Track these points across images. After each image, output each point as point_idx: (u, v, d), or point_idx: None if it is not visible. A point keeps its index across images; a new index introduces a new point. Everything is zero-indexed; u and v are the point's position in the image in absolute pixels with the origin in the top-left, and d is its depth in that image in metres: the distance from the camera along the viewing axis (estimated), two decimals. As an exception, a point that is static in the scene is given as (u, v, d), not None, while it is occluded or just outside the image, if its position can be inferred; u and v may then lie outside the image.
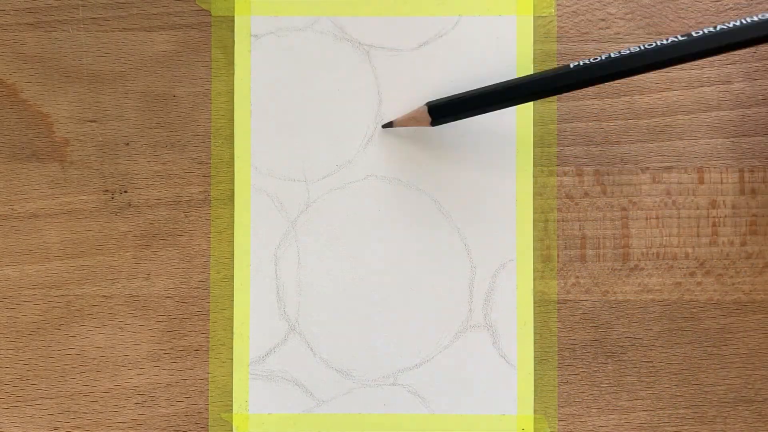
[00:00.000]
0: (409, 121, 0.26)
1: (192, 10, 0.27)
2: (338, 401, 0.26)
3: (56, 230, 0.27)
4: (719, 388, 0.26)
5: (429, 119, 0.25)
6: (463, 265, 0.26)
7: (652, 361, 0.26)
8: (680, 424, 0.26)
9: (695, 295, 0.26)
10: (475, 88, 0.25)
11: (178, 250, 0.27)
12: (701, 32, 0.23)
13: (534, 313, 0.26)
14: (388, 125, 0.26)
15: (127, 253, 0.27)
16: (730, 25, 0.23)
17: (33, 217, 0.27)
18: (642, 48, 0.23)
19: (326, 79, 0.27)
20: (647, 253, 0.26)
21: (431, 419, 0.26)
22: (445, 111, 0.25)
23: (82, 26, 0.27)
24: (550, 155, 0.26)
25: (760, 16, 0.23)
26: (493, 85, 0.25)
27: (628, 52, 0.23)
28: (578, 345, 0.26)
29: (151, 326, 0.27)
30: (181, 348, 0.26)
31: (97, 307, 0.27)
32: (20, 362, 0.27)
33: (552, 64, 0.26)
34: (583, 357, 0.26)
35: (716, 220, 0.26)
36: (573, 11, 0.26)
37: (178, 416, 0.26)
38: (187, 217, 0.27)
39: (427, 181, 0.26)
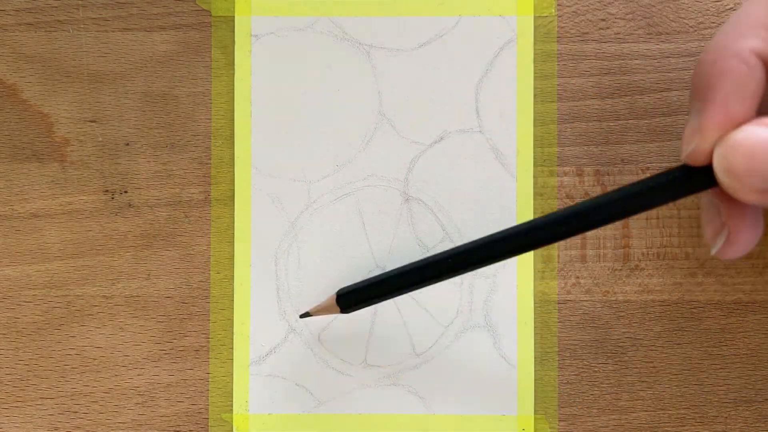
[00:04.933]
0: (321, 310, 0.25)
1: (192, 10, 0.27)
2: (338, 401, 0.26)
3: (56, 230, 0.27)
4: (720, 388, 0.26)
5: (338, 308, 0.25)
6: (463, 265, 0.26)
7: (652, 362, 0.26)
8: (681, 424, 0.26)
9: (696, 296, 0.26)
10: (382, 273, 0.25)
11: (178, 250, 0.27)
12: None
13: (534, 313, 0.26)
14: (305, 315, 0.26)
15: (127, 254, 0.27)
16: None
17: (33, 217, 0.27)
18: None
19: (326, 79, 0.27)
20: (647, 253, 0.26)
21: (431, 419, 0.26)
22: (354, 298, 0.25)
23: (82, 26, 0.27)
24: (550, 155, 0.26)
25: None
26: (399, 268, 0.24)
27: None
28: (578, 345, 0.26)
29: (151, 326, 0.27)
30: (181, 348, 0.26)
31: (97, 307, 0.27)
32: (20, 362, 0.27)
33: (552, 65, 0.26)
34: (583, 357, 0.26)
35: (717, 220, 0.26)
36: (573, 11, 0.26)
37: (178, 416, 0.26)
38: (187, 217, 0.27)
39: (428, 181, 0.26)
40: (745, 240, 0.21)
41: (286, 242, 0.27)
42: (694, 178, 0.20)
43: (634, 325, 0.26)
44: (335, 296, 0.25)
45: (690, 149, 0.19)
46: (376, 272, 0.26)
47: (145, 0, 0.27)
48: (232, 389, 0.26)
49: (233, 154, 0.27)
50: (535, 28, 0.26)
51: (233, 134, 0.27)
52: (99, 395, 0.27)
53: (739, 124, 0.18)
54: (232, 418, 0.26)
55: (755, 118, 0.18)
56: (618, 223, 0.26)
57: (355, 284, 0.25)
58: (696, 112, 0.19)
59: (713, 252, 0.21)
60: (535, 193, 0.26)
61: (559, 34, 0.26)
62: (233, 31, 0.27)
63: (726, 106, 0.18)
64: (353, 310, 0.25)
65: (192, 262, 0.27)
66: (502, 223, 0.26)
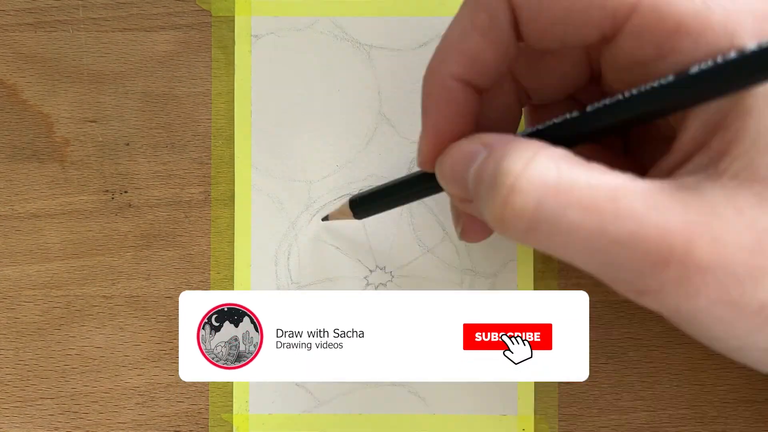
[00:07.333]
0: (337, 215, 0.25)
1: (192, 10, 0.27)
2: (338, 401, 0.26)
3: (56, 230, 0.27)
4: (720, 388, 0.26)
5: (351, 214, 0.25)
6: (463, 265, 0.26)
7: (652, 361, 0.26)
8: (681, 424, 0.26)
9: (696, 295, 0.26)
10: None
11: (178, 250, 0.27)
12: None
13: (534, 314, 0.26)
14: (325, 219, 0.26)
15: (127, 254, 0.27)
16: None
17: (33, 217, 0.27)
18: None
19: (326, 79, 0.27)
20: (648, 253, 0.26)
21: (431, 419, 0.26)
22: (367, 204, 0.24)
23: (82, 26, 0.27)
24: (551, 155, 0.26)
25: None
26: (411, 174, 0.22)
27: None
28: (578, 345, 0.26)
29: (151, 326, 0.27)
30: (181, 348, 0.26)
31: (97, 307, 0.27)
32: (21, 362, 0.27)
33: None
34: (583, 357, 0.26)
35: (717, 220, 0.26)
36: (573, 11, 0.26)
37: (178, 416, 0.26)
38: (187, 217, 0.27)
39: (428, 181, 0.26)
40: (477, 231, 0.22)
41: (286, 242, 0.27)
42: (429, 181, 0.21)
43: (634, 325, 0.26)
44: (348, 202, 0.25)
45: (418, 159, 0.21)
46: (377, 272, 0.26)
47: (145, 0, 0.27)
48: (232, 389, 0.26)
49: (233, 154, 0.27)
50: (535, 28, 0.26)
51: (233, 134, 0.27)
52: (99, 395, 0.27)
53: (455, 139, 0.19)
54: (232, 419, 0.26)
55: (473, 134, 0.19)
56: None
57: (367, 190, 0.24)
58: (422, 126, 0.20)
59: (458, 237, 0.23)
60: (535, 193, 0.26)
61: (559, 34, 0.26)
62: (233, 31, 0.27)
63: (435, 126, 0.19)
64: (366, 216, 0.24)
65: (192, 262, 0.27)
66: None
